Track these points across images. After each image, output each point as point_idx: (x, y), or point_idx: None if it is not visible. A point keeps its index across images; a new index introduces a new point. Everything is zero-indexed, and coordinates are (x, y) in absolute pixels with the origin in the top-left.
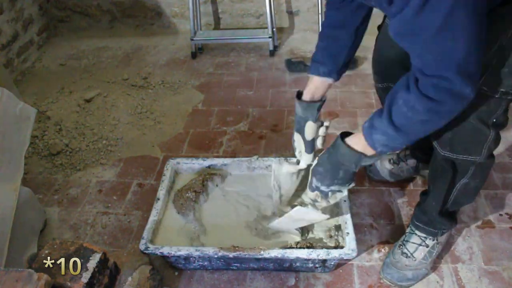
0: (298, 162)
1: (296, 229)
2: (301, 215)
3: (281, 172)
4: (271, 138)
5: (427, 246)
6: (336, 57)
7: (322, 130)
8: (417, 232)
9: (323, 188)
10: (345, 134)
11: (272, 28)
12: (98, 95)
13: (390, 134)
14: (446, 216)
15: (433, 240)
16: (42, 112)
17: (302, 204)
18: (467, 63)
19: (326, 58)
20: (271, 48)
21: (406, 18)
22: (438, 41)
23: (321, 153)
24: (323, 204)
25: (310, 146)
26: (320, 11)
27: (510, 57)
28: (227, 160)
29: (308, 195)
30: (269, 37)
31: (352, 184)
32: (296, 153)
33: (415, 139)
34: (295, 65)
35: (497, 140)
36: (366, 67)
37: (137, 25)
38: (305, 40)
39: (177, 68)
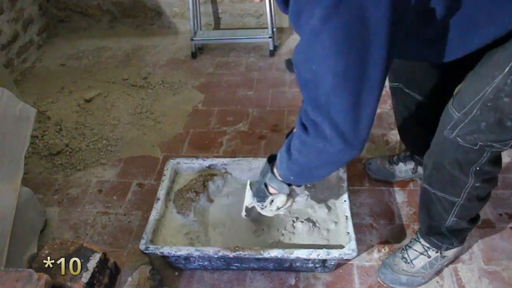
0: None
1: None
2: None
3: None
4: (271, 138)
5: (429, 257)
6: None
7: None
8: (421, 240)
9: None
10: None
11: (272, 28)
12: (98, 95)
13: (292, 169)
14: (443, 235)
15: (437, 253)
16: (42, 112)
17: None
18: (336, 112)
19: None
20: (271, 48)
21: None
22: (302, 77)
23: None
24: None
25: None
26: None
27: (491, 112)
28: (227, 160)
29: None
30: (269, 37)
31: (260, 203)
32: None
33: (310, 181)
34: None
35: (485, 188)
36: None
37: (137, 25)
38: None
39: (177, 68)
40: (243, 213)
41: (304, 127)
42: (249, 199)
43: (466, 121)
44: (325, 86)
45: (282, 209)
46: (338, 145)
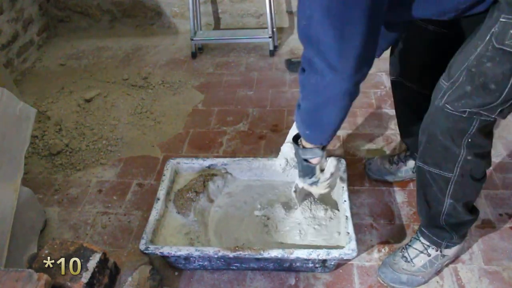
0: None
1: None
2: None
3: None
4: (271, 138)
5: (429, 255)
6: None
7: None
8: (421, 238)
9: (300, 181)
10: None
11: (272, 28)
12: (98, 95)
13: (304, 121)
14: (443, 228)
15: (437, 251)
16: (42, 112)
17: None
18: (323, 46)
19: None
20: (271, 48)
21: None
22: (300, 18)
23: None
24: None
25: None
26: None
27: (475, 77)
28: (227, 160)
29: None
30: (269, 37)
31: (312, 179)
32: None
33: (324, 131)
34: (295, 65)
35: (477, 164)
36: None
37: (137, 25)
38: None
39: (177, 68)
40: (296, 198)
41: (303, 69)
42: (301, 185)
43: (454, 88)
44: (315, 22)
45: (331, 176)
46: (327, 75)
